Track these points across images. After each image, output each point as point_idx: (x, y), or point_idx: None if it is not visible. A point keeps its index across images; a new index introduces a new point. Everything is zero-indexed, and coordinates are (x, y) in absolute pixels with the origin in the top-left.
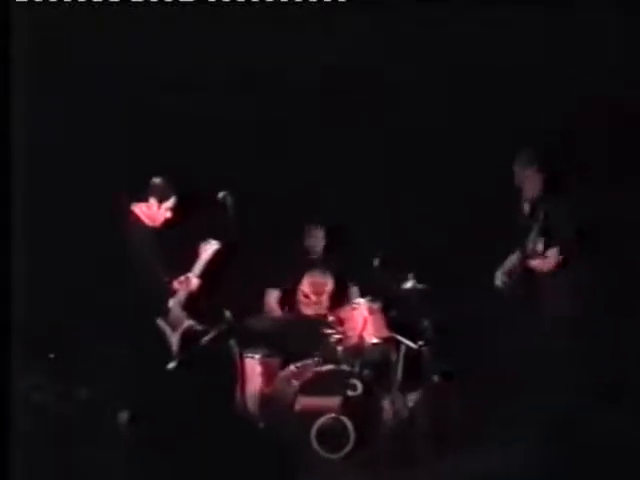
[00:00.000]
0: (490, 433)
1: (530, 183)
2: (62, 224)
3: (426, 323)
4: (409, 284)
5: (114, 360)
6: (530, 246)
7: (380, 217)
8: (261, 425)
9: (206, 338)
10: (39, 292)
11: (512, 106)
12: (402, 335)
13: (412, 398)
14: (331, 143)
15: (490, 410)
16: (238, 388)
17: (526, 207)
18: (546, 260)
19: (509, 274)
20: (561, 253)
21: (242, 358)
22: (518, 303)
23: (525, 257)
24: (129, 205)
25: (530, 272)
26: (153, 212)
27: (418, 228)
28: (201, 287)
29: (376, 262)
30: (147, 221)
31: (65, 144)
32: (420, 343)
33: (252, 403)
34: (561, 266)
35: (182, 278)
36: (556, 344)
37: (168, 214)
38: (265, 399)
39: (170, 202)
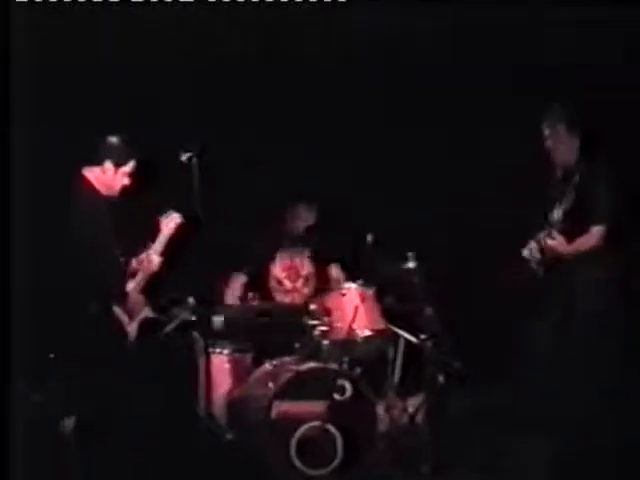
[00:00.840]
0: (505, 444)
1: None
2: (61, 221)
3: (429, 312)
4: (409, 265)
5: (60, 354)
6: (555, 220)
7: (374, 188)
8: (229, 436)
9: (166, 329)
10: None
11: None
12: (400, 327)
13: (412, 403)
14: (320, 110)
15: (504, 415)
16: (202, 390)
17: (559, 174)
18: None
19: (542, 248)
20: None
21: (208, 353)
22: (539, 288)
23: (549, 234)
24: (79, 170)
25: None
26: (108, 178)
27: (419, 199)
28: (162, 267)
29: (369, 239)
30: (101, 189)
31: (65, 144)
32: (422, 336)
33: (219, 408)
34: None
35: (142, 256)
36: (584, 340)
37: (126, 180)
38: (235, 404)
39: (129, 167)
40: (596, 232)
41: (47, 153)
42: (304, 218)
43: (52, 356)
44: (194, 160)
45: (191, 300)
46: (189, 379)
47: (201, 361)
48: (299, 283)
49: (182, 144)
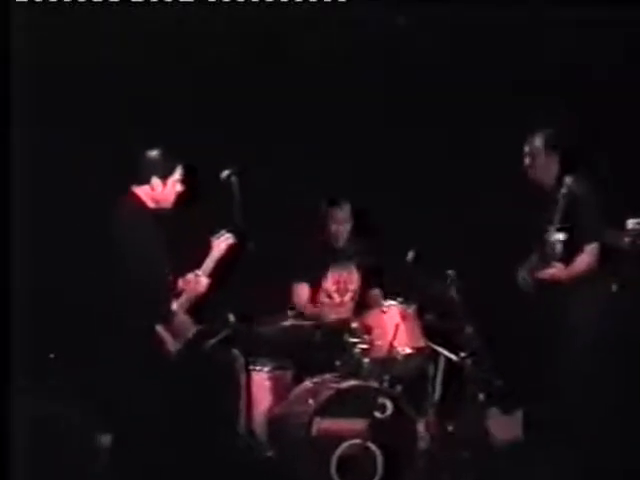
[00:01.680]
0: (547, 464)
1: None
2: (61, 221)
3: (469, 330)
4: (449, 282)
5: (102, 373)
6: (548, 249)
7: (415, 204)
8: (270, 453)
9: (206, 345)
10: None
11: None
12: (441, 345)
13: (453, 422)
14: (357, 119)
15: (548, 435)
16: (243, 407)
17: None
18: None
19: (532, 273)
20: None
21: (248, 370)
22: (583, 306)
23: (543, 263)
24: (127, 190)
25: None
26: (158, 193)
27: (459, 216)
28: (210, 289)
29: (410, 256)
30: (151, 204)
31: (65, 144)
32: (463, 355)
33: (259, 425)
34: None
35: (190, 276)
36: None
37: (179, 187)
38: (275, 421)
39: (177, 174)
40: (590, 250)
41: (47, 153)
42: (339, 220)
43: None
44: (233, 178)
45: (231, 317)
46: (230, 396)
47: (242, 378)
48: (347, 297)
49: (183, 144)
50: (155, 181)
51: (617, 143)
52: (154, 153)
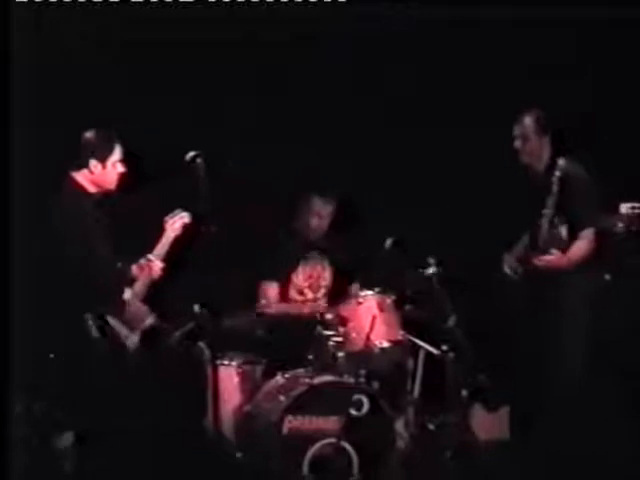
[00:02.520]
0: (533, 464)
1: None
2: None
3: (452, 322)
4: (430, 271)
5: (51, 368)
6: (542, 236)
7: (392, 189)
8: (239, 454)
9: (170, 340)
10: None
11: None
12: (421, 338)
13: (433, 420)
14: (335, 104)
15: (535, 433)
16: (209, 404)
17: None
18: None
19: (521, 260)
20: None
21: (215, 365)
22: (574, 296)
23: (535, 249)
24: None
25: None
26: (98, 175)
27: (441, 201)
28: (165, 273)
29: (388, 243)
30: (92, 188)
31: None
32: (444, 348)
33: (227, 424)
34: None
35: (142, 262)
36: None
37: (120, 168)
38: (244, 419)
39: (116, 154)
40: (586, 236)
41: (47, 153)
42: (319, 212)
43: (52, 356)
44: (199, 160)
45: (197, 308)
46: (196, 393)
47: (208, 373)
48: (320, 293)
49: (183, 143)
50: (93, 163)
51: (610, 124)
52: (90, 134)
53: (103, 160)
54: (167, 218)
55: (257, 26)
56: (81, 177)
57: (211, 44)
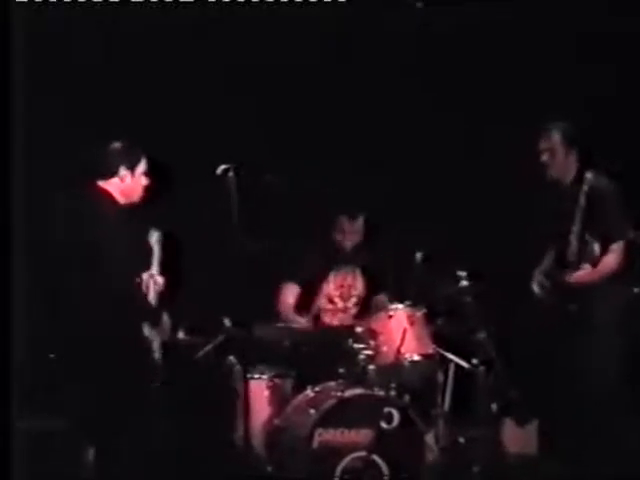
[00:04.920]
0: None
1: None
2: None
3: (483, 336)
4: (460, 285)
5: (87, 384)
6: (572, 251)
7: (422, 203)
8: (269, 467)
9: (199, 354)
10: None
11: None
12: (451, 351)
13: (463, 433)
14: (364, 117)
15: (563, 448)
16: (240, 418)
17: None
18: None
19: (548, 275)
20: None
21: (245, 379)
22: (604, 310)
23: (563, 263)
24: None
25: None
26: (128, 184)
27: (472, 216)
28: (167, 286)
29: (418, 257)
30: (121, 198)
31: (65, 144)
32: (474, 362)
33: (258, 438)
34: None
35: (145, 276)
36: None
37: (144, 180)
38: (275, 433)
39: (142, 165)
40: (617, 249)
41: (47, 153)
42: (348, 230)
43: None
44: (230, 174)
45: (227, 321)
46: (226, 407)
47: (239, 387)
48: (350, 303)
49: (211, 155)
50: (123, 172)
51: (638, 136)
52: (118, 144)
53: (132, 170)
54: (148, 237)
55: (257, 26)
56: (110, 186)
57: (210, 45)
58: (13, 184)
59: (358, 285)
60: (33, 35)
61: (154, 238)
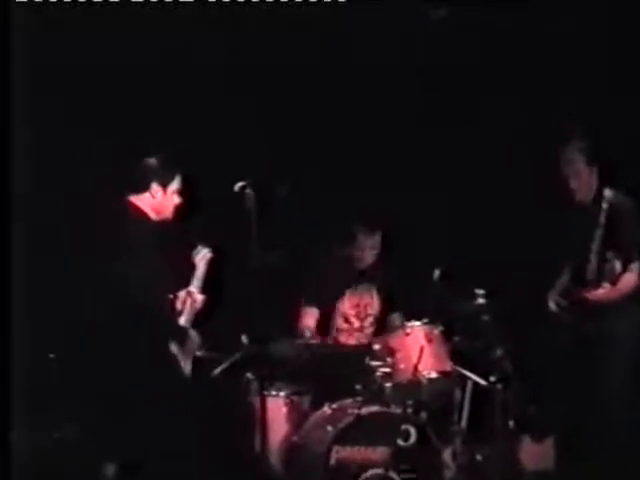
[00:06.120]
0: None
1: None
2: (64, 230)
3: (500, 353)
4: (477, 302)
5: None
6: (591, 269)
7: (443, 220)
8: None
9: (217, 370)
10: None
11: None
12: (469, 369)
13: (480, 450)
14: (379, 135)
15: (581, 465)
16: (257, 435)
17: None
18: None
19: (565, 294)
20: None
21: (263, 396)
22: (621, 328)
23: (582, 282)
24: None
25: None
26: (159, 201)
27: (490, 234)
28: (207, 305)
29: (436, 275)
30: (153, 214)
31: (65, 144)
32: (492, 379)
33: (275, 455)
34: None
35: (182, 294)
36: None
37: (177, 199)
38: (292, 449)
39: (176, 183)
40: (636, 268)
41: (47, 153)
42: (365, 247)
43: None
44: (248, 191)
45: (244, 338)
46: (243, 424)
47: (256, 404)
48: (367, 322)
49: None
50: (154, 187)
51: None
52: (153, 160)
53: (164, 186)
54: (194, 254)
55: (256, 27)
56: (142, 202)
57: (209, 45)
58: (13, 184)
59: (375, 304)
60: (33, 35)
61: (200, 255)
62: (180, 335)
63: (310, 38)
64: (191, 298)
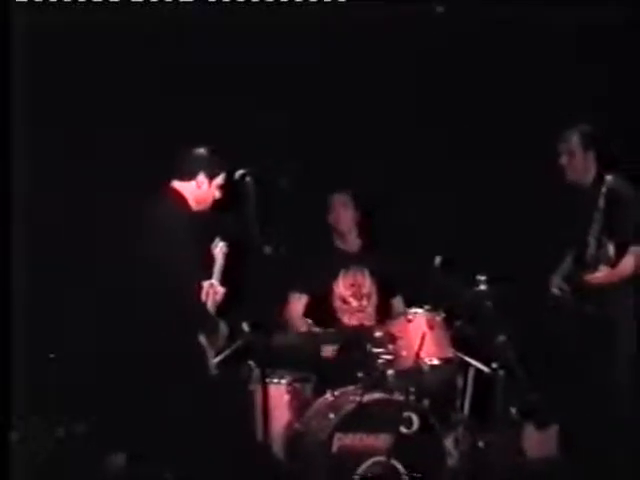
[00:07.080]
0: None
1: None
2: (64, 230)
3: (502, 339)
4: (479, 288)
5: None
6: (590, 252)
7: (444, 206)
8: (289, 470)
9: (217, 358)
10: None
11: None
12: (471, 355)
13: (483, 437)
14: (378, 116)
15: (584, 453)
16: (259, 422)
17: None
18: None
19: (567, 278)
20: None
21: (265, 383)
22: (624, 313)
23: (583, 266)
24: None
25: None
26: (203, 192)
27: (491, 219)
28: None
29: (437, 261)
30: (194, 204)
31: (65, 144)
32: (494, 366)
33: (277, 442)
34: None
35: (206, 285)
36: None
37: (218, 194)
38: (294, 437)
39: (220, 179)
40: (635, 251)
41: (47, 153)
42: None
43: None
44: (248, 179)
45: (245, 326)
46: (245, 411)
47: (258, 391)
48: (364, 302)
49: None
50: (200, 178)
51: None
52: (202, 150)
53: (211, 178)
54: (212, 247)
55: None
56: (186, 190)
57: (209, 45)
58: (13, 184)
59: (367, 283)
60: (33, 35)
61: (218, 248)
62: (209, 325)
63: (310, 38)
64: (213, 290)
